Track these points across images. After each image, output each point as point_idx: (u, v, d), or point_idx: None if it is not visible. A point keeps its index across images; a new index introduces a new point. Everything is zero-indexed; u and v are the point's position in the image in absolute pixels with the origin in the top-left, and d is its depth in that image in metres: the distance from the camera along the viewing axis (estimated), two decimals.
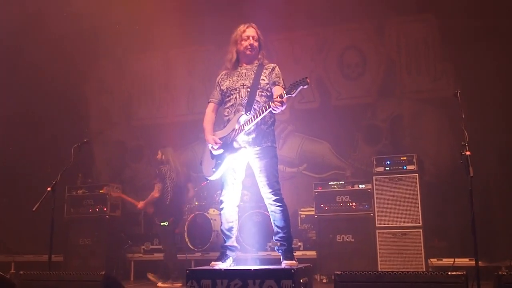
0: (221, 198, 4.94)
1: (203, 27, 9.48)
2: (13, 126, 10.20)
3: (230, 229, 4.94)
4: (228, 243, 4.94)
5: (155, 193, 7.91)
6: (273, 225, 4.83)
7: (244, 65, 4.99)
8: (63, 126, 9.80)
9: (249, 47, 4.92)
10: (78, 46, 9.39)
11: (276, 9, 8.53)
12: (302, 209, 8.38)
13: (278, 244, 4.82)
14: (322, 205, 7.58)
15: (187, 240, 8.32)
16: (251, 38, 4.93)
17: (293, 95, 4.41)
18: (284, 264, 4.63)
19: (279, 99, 4.39)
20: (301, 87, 4.35)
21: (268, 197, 4.72)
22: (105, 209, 8.66)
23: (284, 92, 4.39)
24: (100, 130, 10.64)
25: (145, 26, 9.30)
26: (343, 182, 7.64)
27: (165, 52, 10.53)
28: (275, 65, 4.97)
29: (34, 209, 5.60)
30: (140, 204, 8.11)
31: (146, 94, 10.61)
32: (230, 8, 8.87)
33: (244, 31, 4.96)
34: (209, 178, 4.94)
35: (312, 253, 7.66)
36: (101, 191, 8.84)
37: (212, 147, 4.83)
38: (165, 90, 10.52)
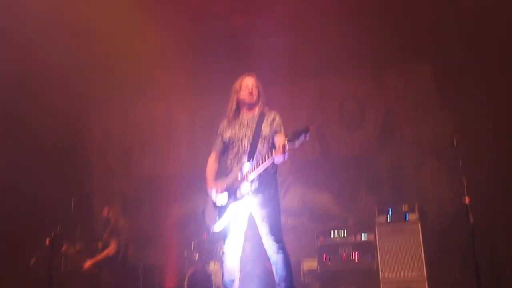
0: (223, 250, 4.91)
1: (206, 78, 9.59)
2: (11, 176, 10.20)
3: (232, 281, 4.91)
4: None
5: (112, 250, 7.81)
6: (274, 274, 4.79)
7: (245, 113, 5.07)
8: (62, 178, 9.77)
9: (248, 95, 5.02)
10: (79, 95, 9.46)
11: (277, 61, 8.65)
12: (304, 260, 8.27)
13: None
14: (324, 257, 7.50)
15: None
16: (250, 86, 5.05)
17: (296, 145, 4.42)
18: None
19: (281, 148, 4.41)
20: (303, 135, 4.38)
21: (270, 245, 4.70)
22: None
23: (287, 141, 4.41)
24: (100, 181, 10.62)
25: (148, 75, 9.41)
26: (345, 233, 7.59)
27: (168, 102, 10.64)
28: (276, 113, 5.03)
29: (32, 263, 5.53)
30: (87, 264, 7.81)
31: (147, 145, 10.64)
32: (232, 60, 9.01)
33: (243, 80, 5.11)
34: (213, 228, 4.91)
35: None
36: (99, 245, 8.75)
37: (216, 194, 4.82)
38: (166, 141, 10.55)
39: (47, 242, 5.59)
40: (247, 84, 5.07)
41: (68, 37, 8.64)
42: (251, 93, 5.03)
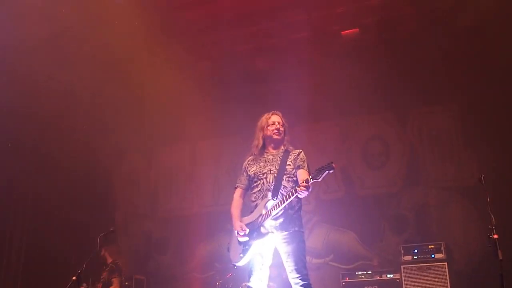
0: (248, 284, 4.90)
1: (229, 120, 9.72)
2: (40, 216, 10.35)
3: None
4: None
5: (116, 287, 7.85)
6: None
7: (271, 150, 5.14)
8: (89, 217, 9.85)
9: (275, 131, 5.10)
10: (106, 138, 9.62)
11: (300, 101, 8.74)
12: None
13: None
14: None
15: None
16: (277, 123, 5.14)
17: (319, 180, 4.47)
18: None
19: (305, 183, 4.46)
20: (327, 172, 4.43)
21: (296, 282, 4.67)
22: None
23: (310, 177, 4.47)
24: (126, 221, 10.70)
25: (173, 118, 9.57)
26: (370, 272, 7.52)
27: (191, 144, 10.77)
28: (301, 150, 5.09)
29: None
30: None
31: (172, 186, 10.73)
32: (255, 101, 9.15)
33: (269, 117, 5.20)
34: (237, 264, 4.93)
35: None
36: (125, 283, 8.78)
37: (238, 233, 4.87)
38: (190, 181, 10.64)
39: (73, 278, 5.60)
40: (274, 121, 5.16)
41: (95, 80, 8.88)
42: (278, 130, 5.11)
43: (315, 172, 4.49)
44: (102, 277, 8.07)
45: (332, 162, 4.45)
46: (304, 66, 8.85)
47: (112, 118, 9.48)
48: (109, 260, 8.12)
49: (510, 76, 7.92)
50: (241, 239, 4.86)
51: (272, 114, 5.22)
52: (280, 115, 5.24)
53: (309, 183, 4.46)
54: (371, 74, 9.02)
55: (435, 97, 8.93)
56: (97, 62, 8.58)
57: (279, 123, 5.14)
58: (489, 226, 4.59)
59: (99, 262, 8.20)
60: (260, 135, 5.18)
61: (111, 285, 7.87)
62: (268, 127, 5.13)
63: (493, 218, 4.62)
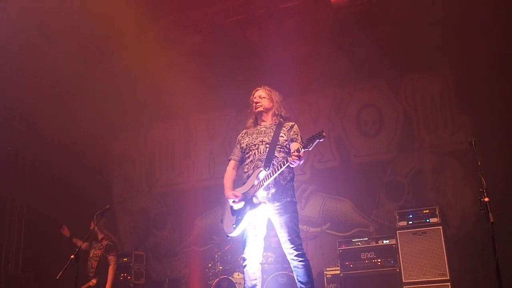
0: (243, 256, 4.95)
1: (223, 93, 9.71)
2: (36, 196, 10.41)
3: (254, 286, 4.92)
4: None
5: (114, 265, 7.84)
6: (296, 281, 4.81)
7: (263, 123, 5.18)
8: (85, 196, 9.87)
9: (254, 105, 5.20)
10: (101, 116, 9.58)
11: (293, 72, 8.73)
12: (327, 269, 8.25)
13: None
14: (347, 263, 7.49)
15: None
16: (257, 97, 5.21)
17: (310, 149, 4.50)
18: None
19: (296, 153, 4.48)
20: (317, 140, 4.45)
21: (290, 253, 4.73)
22: (129, 277, 8.63)
23: (301, 146, 4.49)
24: (123, 198, 10.73)
25: (166, 94, 9.53)
26: (366, 239, 7.58)
27: (185, 119, 10.74)
28: (294, 123, 5.13)
29: (57, 277, 5.59)
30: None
31: (168, 161, 10.75)
32: (247, 73, 9.12)
33: (253, 93, 5.28)
34: (230, 235, 4.97)
35: None
36: (124, 259, 8.85)
37: (233, 201, 4.89)
38: (186, 156, 10.66)
39: (72, 257, 5.62)
40: (256, 95, 5.24)
41: (87, 58, 8.82)
42: (256, 103, 5.18)
43: (306, 142, 4.52)
44: (97, 254, 8.04)
45: (322, 131, 4.47)
46: (294, 36, 8.80)
47: (105, 96, 9.43)
48: (100, 235, 8.09)
49: (503, 39, 7.88)
50: (236, 206, 4.89)
51: (256, 90, 5.30)
52: (264, 88, 5.29)
53: (300, 152, 4.48)
54: (362, 41, 8.98)
55: (427, 62, 8.90)
56: (89, 40, 8.54)
57: (259, 96, 5.21)
58: (480, 190, 4.60)
59: (90, 236, 8.18)
60: (252, 112, 5.28)
61: (109, 263, 7.87)
62: (252, 104, 5.23)
63: (484, 181, 4.63)
